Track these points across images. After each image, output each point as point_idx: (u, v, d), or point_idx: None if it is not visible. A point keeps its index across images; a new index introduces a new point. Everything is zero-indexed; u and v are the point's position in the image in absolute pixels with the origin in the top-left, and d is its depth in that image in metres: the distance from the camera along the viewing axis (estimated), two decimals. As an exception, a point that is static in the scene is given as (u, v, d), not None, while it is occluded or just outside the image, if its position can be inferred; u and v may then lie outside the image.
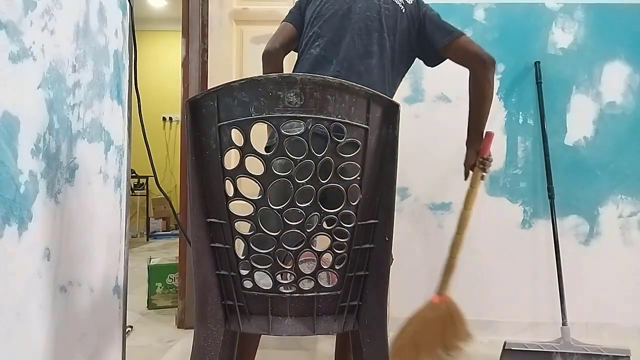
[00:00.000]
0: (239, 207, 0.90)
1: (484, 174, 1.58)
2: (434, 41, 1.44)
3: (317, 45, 1.41)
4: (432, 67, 1.55)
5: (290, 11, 1.61)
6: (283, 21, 1.59)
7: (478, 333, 2.20)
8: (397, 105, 0.89)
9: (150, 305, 2.68)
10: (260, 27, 2.35)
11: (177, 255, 2.50)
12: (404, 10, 1.45)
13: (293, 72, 1.45)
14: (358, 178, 0.88)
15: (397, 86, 1.51)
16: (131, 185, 3.26)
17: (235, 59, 2.35)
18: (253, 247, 0.90)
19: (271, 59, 1.50)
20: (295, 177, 0.85)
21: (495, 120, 2.28)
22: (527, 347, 1.80)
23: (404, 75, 1.53)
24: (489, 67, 1.44)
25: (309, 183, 0.86)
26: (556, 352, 1.82)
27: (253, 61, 2.34)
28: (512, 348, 1.79)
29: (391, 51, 1.42)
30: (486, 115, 1.52)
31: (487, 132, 1.54)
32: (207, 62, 2.36)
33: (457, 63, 1.49)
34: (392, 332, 2.10)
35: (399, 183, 0.92)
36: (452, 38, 1.43)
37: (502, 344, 1.80)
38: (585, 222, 2.27)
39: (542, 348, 1.82)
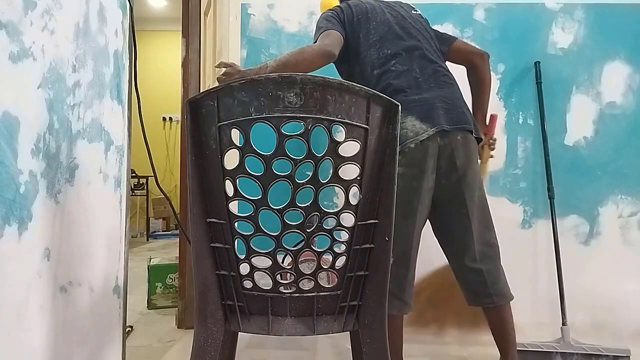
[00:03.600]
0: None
1: (492, 152, 1.75)
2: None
3: (394, 63, 1.53)
4: None
5: (331, 21, 1.59)
6: (333, 30, 1.57)
7: (478, 333, 2.21)
8: (397, 105, 0.89)
9: (150, 305, 2.67)
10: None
11: (177, 255, 2.50)
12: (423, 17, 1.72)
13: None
14: (358, 178, 0.89)
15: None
16: (131, 185, 3.26)
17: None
18: (253, 247, 0.90)
19: (325, 62, 1.51)
20: (295, 177, 0.85)
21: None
22: (527, 347, 1.80)
23: None
24: (486, 59, 1.69)
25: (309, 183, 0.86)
26: (556, 352, 1.82)
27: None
28: None
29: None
30: (488, 100, 1.71)
31: (491, 115, 1.73)
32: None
33: (456, 62, 1.69)
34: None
35: (399, 183, 0.92)
36: (451, 42, 1.69)
37: (502, 344, 1.80)
38: (585, 222, 2.26)
39: (542, 348, 1.82)
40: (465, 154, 1.46)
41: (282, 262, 0.92)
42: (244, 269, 0.92)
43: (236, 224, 0.90)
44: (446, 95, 1.49)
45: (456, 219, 1.50)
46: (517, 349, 1.79)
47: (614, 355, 1.77)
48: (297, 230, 0.89)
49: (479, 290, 1.49)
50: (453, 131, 1.44)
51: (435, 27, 1.72)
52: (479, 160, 1.58)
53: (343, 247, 0.92)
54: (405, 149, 1.40)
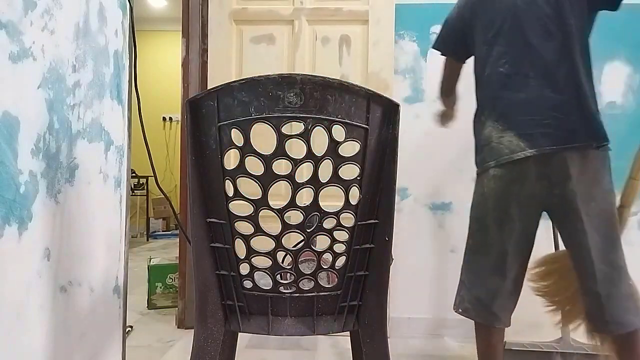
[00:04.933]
0: (240, 207, 0.90)
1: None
2: None
3: (504, 63, 1.36)
4: (616, 9, 1.48)
5: (446, 29, 1.56)
6: (446, 56, 1.59)
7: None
8: (397, 105, 0.89)
9: (150, 305, 2.68)
10: (259, 26, 2.34)
11: (177, 255, 2.50)
12: None
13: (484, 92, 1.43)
14: (358, 178, 0.88)
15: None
16: (131, 185, 3.26)
17: (235, 59, 2.35)
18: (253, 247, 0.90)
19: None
20: (295, 177, 0.85)
21: (495, 120, 2.27)
22: (527, 347, 1.80)
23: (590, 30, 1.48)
24: None
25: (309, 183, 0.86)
26: (556, 352, 1.81)
27: (252, 61, 2.33)
28: (513, 348, 1.78)
29: (575, 28, 1.39)
30: None
31: None
32: (207, 62, 2.35)
33: None
34: (391, 332, 2.10)
35: (399, 183, 0.92)
36: None
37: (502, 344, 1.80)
38: (585, 222, 2.26)
39: (542, 348, 1.82)
40: (581, 166, 1.31)
41: (282, 262, 0.92)
42: (244, 269, 0.92)
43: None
44: (562, 106, 1.30)
45: (571, 235, 1.36)
46: (518, 348, 1.79)
47: (614, 355, 1.77)
48: (297, 230, 0.89)
49: (595, 314, 1.35)
50: (560, 151, 1.29)
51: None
52: (605, 172, 1.38)
53: (343, 247, 0.92)
54: (499, 162, 1.32)
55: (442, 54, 1.61)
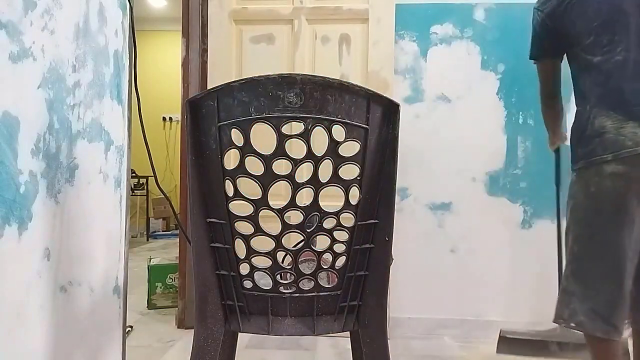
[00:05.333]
0: (240, 207, 0.90)
1: None
2: None
3: (620, 51, 1.27)
4: None
5: (535, 40, 1.53)
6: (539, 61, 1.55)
7: (478, 333, 2.21)
8: (397, 105, 0.89)
9: (150, 305, 2.68)
10: (259, 26, 2.34)
11: (177, 255, 2.51)
12: None
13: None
14: (358, 178, 0.89)
15: None
16: (131, 185, 3.27)
17: (235, 58, 2.35)
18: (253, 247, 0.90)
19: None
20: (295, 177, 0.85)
21: (495, 120, 2.28)
22: (522, 336, 1.79)
23: None
24: None
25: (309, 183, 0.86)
26: (552, 341, 1.79)
27: (252, 61, 2.33)
28: (508, 336, 1.77)
29: None
30: None
31: None
32: (207, 62, 2.35)
33: None
34: (391, 332, 2.10)
35: (399, 183, 0.92)
36: None
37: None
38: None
39: (538, 337, 1.80)
40: None
41: (282, 262, 0.92)
42: (244, 269, 0.92)
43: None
44: None
45: None
46: (512, 336, 1.76)
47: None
48: (297, 230, 0.89)
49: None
50: None
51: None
52: None
53: (343, 247, 0.92)
54: (620, 156, 1.20)
55: (543, 60, 1.57)
